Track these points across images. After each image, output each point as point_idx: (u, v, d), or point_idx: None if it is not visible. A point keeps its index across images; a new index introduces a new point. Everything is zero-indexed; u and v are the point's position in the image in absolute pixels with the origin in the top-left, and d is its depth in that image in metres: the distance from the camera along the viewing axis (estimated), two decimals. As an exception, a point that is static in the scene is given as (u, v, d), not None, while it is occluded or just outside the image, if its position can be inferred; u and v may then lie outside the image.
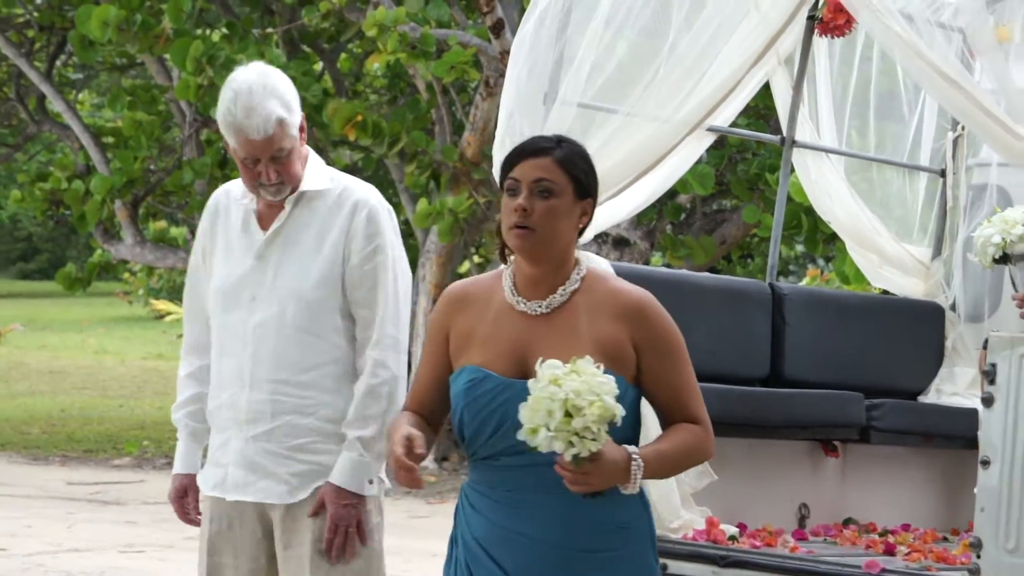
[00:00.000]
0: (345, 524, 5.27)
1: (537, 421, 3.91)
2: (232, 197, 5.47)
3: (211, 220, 5.53)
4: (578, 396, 3.90)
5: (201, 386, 5.51)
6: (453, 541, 4.37)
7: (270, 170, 5.27)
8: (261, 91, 5.30)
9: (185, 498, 5.47)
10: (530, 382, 3.99)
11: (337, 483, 5.25)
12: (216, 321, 5.47)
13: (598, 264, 4.52)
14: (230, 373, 5.39)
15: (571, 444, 3.89)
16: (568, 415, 3.89)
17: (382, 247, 5.39)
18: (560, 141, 4.30)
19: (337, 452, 5.32)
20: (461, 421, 4.24)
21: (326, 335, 5.36)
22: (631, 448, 4.05)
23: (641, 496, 4.24)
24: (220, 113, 5.32)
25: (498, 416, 4.18)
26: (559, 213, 4.21)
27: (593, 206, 4.28)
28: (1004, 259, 5.98)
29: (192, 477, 5.45)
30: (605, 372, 3.99)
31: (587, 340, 4.16)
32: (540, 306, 4.22)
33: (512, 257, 4.28)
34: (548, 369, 3.96)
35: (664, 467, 4.21)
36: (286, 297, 5.34)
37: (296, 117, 5.30)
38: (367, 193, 5.43)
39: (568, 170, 4.24)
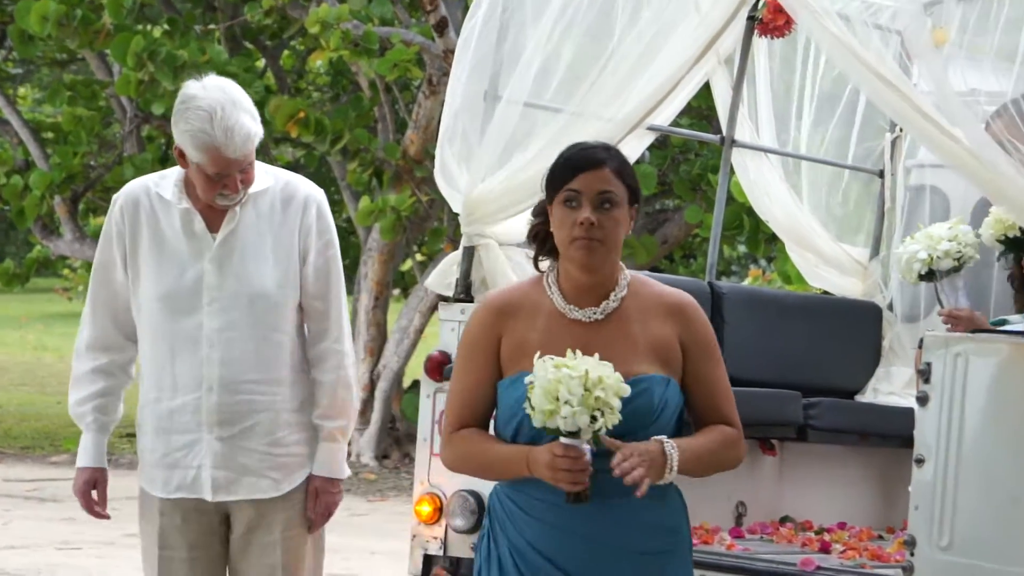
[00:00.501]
0: (333, 509, 5.42)
1: (556, 401, 3.98)
2: (158, 198, 5.43)
3: (132, 220, 5.45)
4: (595, 369, 3.99)
5: (108, 380, 5.50)
6: (492, 541, 4.39)
7: (237, 182, 5.29)
8: (232, 108, 5.30)
9: (92, 491, 5.47)
10: (527, 378, 4.07)
11: (327, 474, 5.40)
12: (159, 326, 5.43)
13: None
14: (189, 376, 5.39)
15: (594, 417, 3.98)
16: (588, 389, 3.97)
17: (332, 242, 5.47)
18: (608, 148, 4.37)
19: (304, 440, 5.46)
20: (519, 426, 4.25)
21: (287, 332, 5.44)
22: (659, 436, 4.14)
23: (682, 501, 4.35)
24: (191, 132, 5.25)
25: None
26: (621, 223, 4.28)
27: (637, 212, 4.36)
28: (930, 275, 6.02)
29: (101, 471, 5.46)
30: (671, 382, 4.22)
31: (642, 343, 4.25)
32: (595, 313, 4.27)
33: (547, 264, 4.35)
34: (546, 360, 4.04)
35: (699, 461, 4.26)
36: (251, 299, 5.38)
37: (259, 130, 5.36)
38: (311, 188, 5.50)
39: (624, 179, 4.31)
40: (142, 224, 5.43)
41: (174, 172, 5.47)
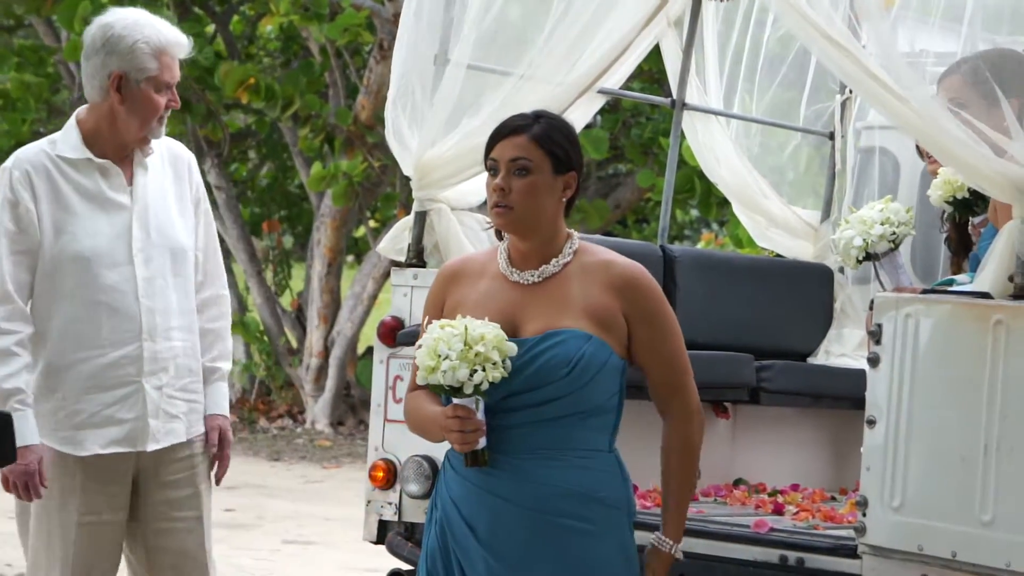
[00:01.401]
0: (224, 442, 5.55)
1: (437, 357, 4.08)
2: (60, 160, 5.45)
3: (38, 184, 5.42)
4: (474, 327, 4.08)
5: (28, 354, 5.43)
6: (432, 505, 4.42)
7: (174, 97, 5.43)
8: (157, 18, 5.51)
9: (39, 472, 5.38)
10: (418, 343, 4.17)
11: (225, 414, 5.59)
12: (84, 284, 5.42)
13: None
14: (125, 329, 5.41)
15: (475, 371, 4.06)
16: (467, 345, 4.05)
17: (206, 196, 5.71)
18: (538, 117, 4.38)
19: (201, 387, 5.62)
20: None
21: (192, 281, 5.57)
22: (655, 537, 4.45)
23: (620, 468, 4.39)
24: (141, 40, 5.35)
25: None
26: (538, 190, 4.28)
27: (577, 179, 4.36)
28: (869, 258, 6.07)
29: (41, 448, 5.37)
30: (594, 338, 4.22)
31: (578, 306, 4.27)
32: (533, 275, 4.31)
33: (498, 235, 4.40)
34: (435, 323, 4.16)
35: (685, 511, 4.52)
36: (172, 252, 5.48)
37: None
38: (186, 149, 5.70)
39: (544, 146, 4.31)
40: (54, 187, 5.43)
41: (68, 132, 5.47)
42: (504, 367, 4.12)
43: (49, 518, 5.50)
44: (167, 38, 5.41)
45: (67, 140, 5.43)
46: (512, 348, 4.14)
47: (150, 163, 5.50)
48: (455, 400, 4.17)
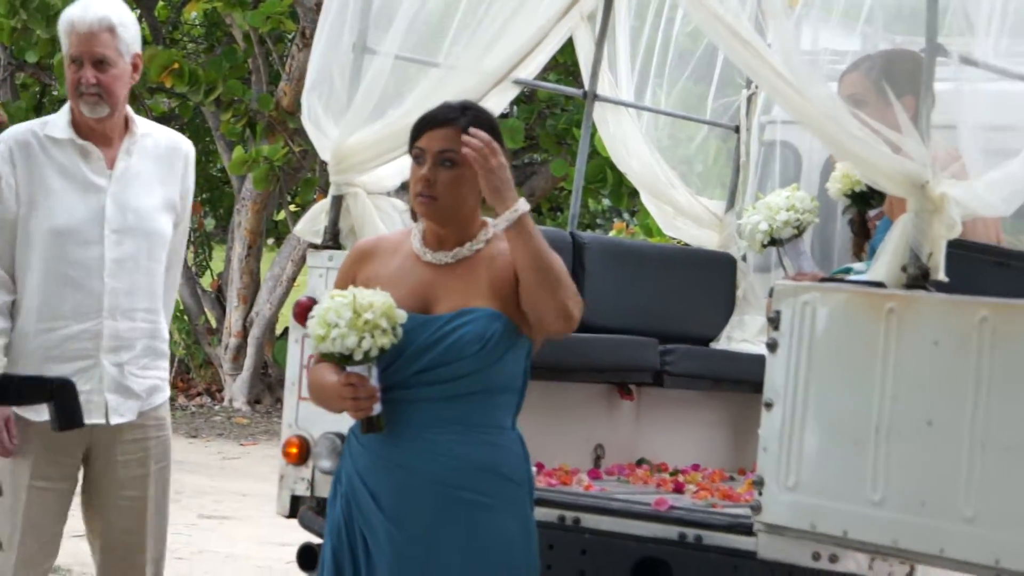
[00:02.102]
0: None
1: (328, 326, 4.14)
2: (47, 139, 5.56)
3: (23, 160, 5.52)
4: (362, 296, 4.14)
5: (5, 321, 5.50)
6: (337, 479, 4.43)
7: (89, 73, 5.43)
8: (104, 3, 5.54)
9: (7, 428, 5.46)
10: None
11: None
12: (54, 258, 5.49)
13: None
14: (87, 305, 5.47)
15: (363, 338, 4.11)
16: (356, 313, 4.10)
17: (193, 187, 5.82)
18: (465, 109, 4.39)
19: (164, 366, 5.70)
20: None
21: (163, 265, 5.64)
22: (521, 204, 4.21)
23: (522, 446, 4.36)
24: (64, 18, 5.53)
25: (395, 349, 4.22)
26: (462, 182, 4.30)
27: None
28: (773, 243, 6.13)
29: (7, 410, 5.41)
30: (504, 317, 4.25)
31: (489, 287, 4.28)
32: (447, 256, 4.32)
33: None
34: (328, 294, 4.25)
35: (540, 242, 4.23)
36: (146, 234, 5.53)
37: (128, 38, 5.61)
38: (189, 145, 5.78)
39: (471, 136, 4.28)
40: (34, 164, 5.51)
41: (60, 115, 5.58)
42: (395, 334, 4.15)
43: (5, 479, 5.50)
44: (70, 15, 5.52)
45: (57, 122, 5.55)
46: (402, 315, 4.17)
47: (137, 150, 5.57)
48: (347, 368, 4.19)
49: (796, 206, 5.96)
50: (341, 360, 4.18)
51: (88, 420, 5.37)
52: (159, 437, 5.65)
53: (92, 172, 5.50)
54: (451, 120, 4.33)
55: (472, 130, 4.19)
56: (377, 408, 4.24)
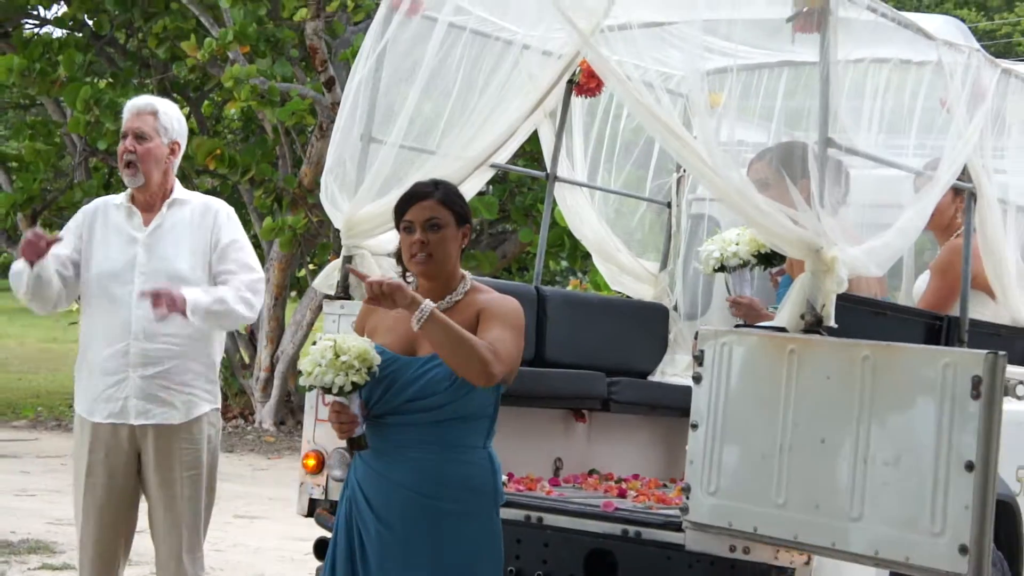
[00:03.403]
0: (168, 297, 5.41)
1: (313, 363, 4.17)
2: (111, 206, 5.78)
3: (90, 219, 5.74)
4: (344, 342, 4.16)
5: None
6: (345, 485, 4.43)
7: (129, 142, 5.61)
8: (155, 98, 5.80)
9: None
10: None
11: (183, 296, 5.47)
12: (100, 293, 5.64)
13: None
14: (120, 329, 5.54)
15: (339, 374, 4.13)
16: (336, 355, 4.13)
17: (238, 227, 5.77)
18: (437, 184, 4.41)
19: (204, 385, 5.67)
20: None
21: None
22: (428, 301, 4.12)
23: (491, 461, 4.33)
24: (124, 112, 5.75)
25: (387, 380, 4.25)
26: (448, 240, 4.31)
27: (470, 229, 4.41)
28: (721, 268, 6.14)
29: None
30: None
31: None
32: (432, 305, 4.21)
33: (409, 275, 4.38)
34: (321, 338, 4.25)
35: (448, 333, 4.11)
36: (168, 276, 5.54)
37: (167, 124, 5.83)
38: (222, 204, 5.81)
39: (449, 206, 4.34)
40: (96, 224, 5.70)
41: (126, 191, 5.76)
42: (369, 373, 4.16)
43: (76, 480, 5.71)
44: (128, 104, 5.76)
45: (121, 195, 5.76)
46: (376, 359, 4.18)
47: (172, 212, 5.67)
48: (329, 397, 4.23)
49: (744, 243, 5.97)
50: (324, 391, 4.21)
51: (121, 420, 5.54)
52: (189, 449, 5.63)
53: (132, 228, 5.65)
54: (429, 194, 4.34)
55: (372, 280, 4.14)
56: (359, 430, 4.24)
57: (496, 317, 4.24)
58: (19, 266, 5.56)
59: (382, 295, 4.10)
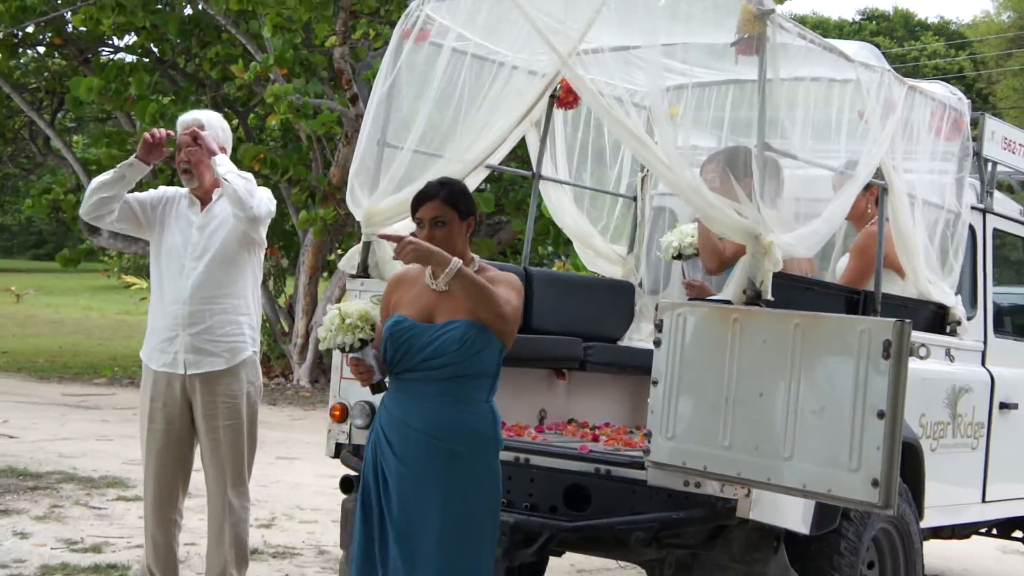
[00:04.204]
0: (203, 142, 5.67)
1: (326, 330, 4.34)
2: (180, 195, 5.88)
3: (167, 200, 5.86)
4: (347, 308, 4.31)
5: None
6: (371, 430, 4.44)
7: (183, 154, 5.71)
8: (201, 112, 5.89)
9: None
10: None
11: (214, 150, 5.72)
12: (162, 265, 5.75)
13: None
14: (174, 294, 5.65)
15: (347, 334, 4.28)
16: (343, 319, 4.29)
17: (272, 202, 5.84)
18: (443, 184, 4.41)
19: (245, 333, 5.74)
20: (386, 348, 4.31)
21: (240, 270, 5.72)
22: (455, 260, 4.17)
23: (493, 413, 4.35)
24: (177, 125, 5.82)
25: (407, 344, 4.27)
26: (453, 234, 4.32)
27: (475, 220, 4.41)
28: (678, 256, 6.15)
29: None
30: (477, 326, 4.20)
31: (463, 304, 4.23)
32: (444, 285, 4.26)
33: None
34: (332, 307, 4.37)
35: (473, 282, 4.17)
36: (215, 251, 5.67)
37: (214, 135, 5.87)
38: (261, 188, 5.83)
39: (452, 205, 4.34)
40: (171, 205, 5.83)
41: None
42: (372, 328, 4.31)
43: (140, 426, 5.80)
44: (179, 119, 5.84)
45: (186, 188, 5.85)
46: (375, 316, 4.34)
47: (220, 202, 5.73)
48: (350, 355, 4.34)
49: (697, 236, 6.00)
50: (342, 351, 4.33)
51: (172, 370, 5.64)
52: (230, 402, 5.68)
53: (191, 213, 5.75)
54: (435, 195, 4.36)
55: (409, 242, 4.17)
56: (376, 378, 4.33)
57: (502, 282, 4.29)
58: (107, 174, 5.70)
59: (418, 253, 4.14)
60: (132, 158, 5.68)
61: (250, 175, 5.74)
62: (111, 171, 5.71)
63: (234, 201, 5.57)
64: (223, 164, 5.67)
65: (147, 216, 5.80)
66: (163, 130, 5.72)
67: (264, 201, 5.67)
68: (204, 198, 5.79)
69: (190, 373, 5.62)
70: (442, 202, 4.33)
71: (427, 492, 4.25)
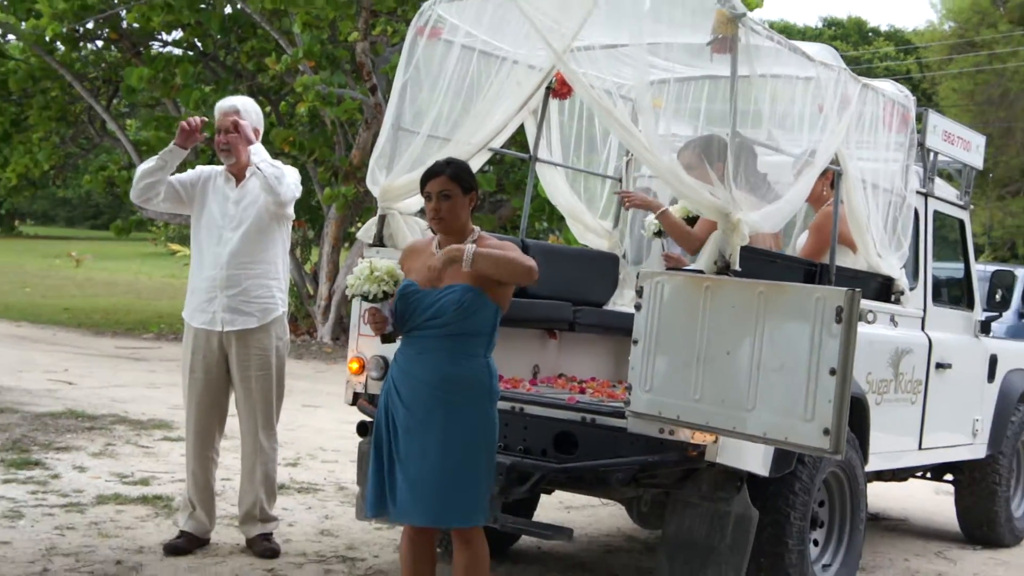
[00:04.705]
0: (240, 129, 5.69)
1: (355, 278, 4.29)
2: (216, 173, 5.87)
3: (205, 178, 5.85)
4: (377, 263, 4.28)
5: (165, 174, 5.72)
6: (385, 381, 4.45)
7: (221, 137, 5.73)
8: (236, 98, 5.87)
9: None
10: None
11: (251, 138, 5.78)
12: (202, 234, 5.73)
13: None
14: (212, 260, 5.66)
15: (373, 285, 4.25)
16: (372, 271, 4.26)
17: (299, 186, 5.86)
18: (448, 163, 4.40)
19: (274, 294, 5.74)
20: (397, 308, 4.33)
21: (272, 239, 5.75)
22: (468, 245, 4.20)
23: (489, 368, 4.33)
24: (215, 111, 5.82)
25: (413, 305, 4.28)
26: (457, 206, 4.31)
27: (476, 195, 4.40)
28: (659, 233, 6.11)
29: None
30: (475, 290, 4.21)
31: (469, 272, 4.24)
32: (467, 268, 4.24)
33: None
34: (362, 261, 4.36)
35: (494, 258, 4.20)
36: (251, 221, 5.68)
37: (249, 120, 5.73)
38: (290, 167, 5.87)
39: (456, 180, 4.33)
40: (209, 181, 5.81)
41: (223, 165, 5.85)
42: (394, 284, 4.26)
43: (183, 375, 5.81)
44: (217, 105, 5.82)
45: (222, 166, 5.84)
46: (400, 274, 4.29)
47: (253, 178, 5.72)
48: (369, 304, 4.30)
49: (676, 211, 5.96)
50: (364, 299, 4.28)
51: (211, 328, 5.66)
52: (261, 355, 5.69)
53: (227, 188, 5.73)
54: (441, 172, 4.35)
55: (432, 265, 4.21)
56: (388, 329, 4.32)
57: (506, 247, 4.31)
58: (150, 161, 5.66)
59: (443, 262, 4.18)
60: (171, 144, 5.65)
61: (279, 163, 5.73)
62: (154, 159, 5.68)
63: (266, 188, 5.58)
64: (258, 153, 5.67)
65: (188, 194, 5.78)
66: (198, 119, 5.69)
67: (291, 187, 5.67)
68: (239, 175, 5.77)
69: (226, 330, 5.63)
70: (448, 178, 4.32)
71: (429, 434, 4.26)
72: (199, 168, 5.90)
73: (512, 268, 4.23)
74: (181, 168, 5.85)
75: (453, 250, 4.20)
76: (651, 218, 6.16)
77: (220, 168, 5.83)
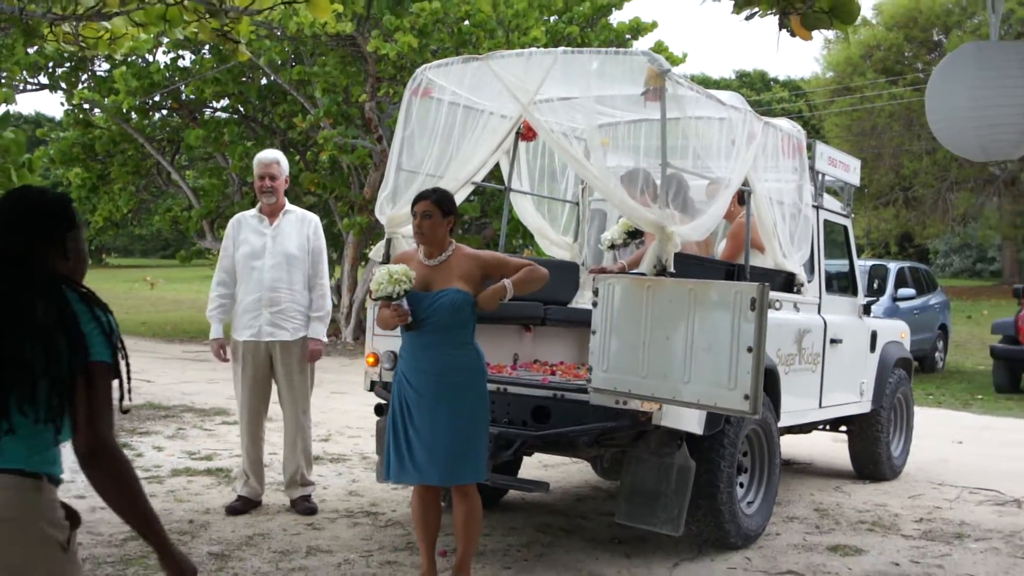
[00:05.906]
0: (318, 355, 5.63)
1: (378, 283, 4.18)
2: (247, 216, 5.71)
3: (236, 226, 5.71)
4: (393, 268, 4.18)
5: (223, 300, 5.61)
6: (397, 371, 4.35)
7: (267, 182, 5.64)
8: (273, 151, 5.77)
9: (220, 349, 5.57)
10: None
11: (317, 337, 5.64)
12: (244, 267, 5.62)
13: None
14: (255, 286, 5.57)
15: (394, 286, 4.15)
16: (391, 275, 4.15)
17: (320, 238, 5.75)
18: (435, 191, 4.34)
19: (303, 318, 5.63)
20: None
21: (302, 272, 5.63)
22: (504, 281, 4.18)
23: (478, 353, 4.27)
24: (255, 159, 5.73)
25: (413, 307, 4.20)
26: (436, 225, 4.24)
27: (455, 218, 4.32)
28: (612, 246, 6.07)
29: (221, 339, 5.61)
30: (463, 292, 4.15)
31: (455, 276, 4.21)
32: (434, 261, 4.25)
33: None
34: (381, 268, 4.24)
35: (524, 283, 4.23)
36: (286, 256, 5.60)
37: (284, 168, 5.76)
38: (314, 216, 5.81)
39: (437, 204, 4.26)
40: (240, 227, 5.68)
41: (255, 208, 5.74)
42: (410, 284, 4.15)
43: (234, 378, 5.72)
44: (258, 157, 5.73)
45: (253, 209, 5.76)
46: (412, 275, 4.17)
47: (285, 218, 5.65)
48: (392, 302, 4.19)
49: (626, 227, 5.93)
50: (387, 299, 4.18)
51: (257, 339, 5.59)
52: (299, 360, 5.62)
53: (263, 228, 5.63)
54: (428, 197, 4.29)
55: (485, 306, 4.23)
56: (409, 319, 4.22)
57: (496, 256, 4.31)
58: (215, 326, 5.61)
59: (495, 301, 4.18)
60: (212, 339, 5.62)
61: (328, 308, 5.66)
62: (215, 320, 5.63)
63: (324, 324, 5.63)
64: (320, 332, 5.64)
65: (235, 253, 5.71)
66: (224, 353, 5.59)
67: (328, 310, 5.64)
68: (272, 214, 5.69)
69: (267, 340, 5.57)
70: (432, 202, 4.28)
71: (439, 410, 4.21)
72: (228, 228, 5.79)
73: (537, 281, 4.30)
74: (227, 211, 5.80)
75: (500, 291, 4.19)
76: (606, 233, 6.11)
77: (252, 212, 5.78)
